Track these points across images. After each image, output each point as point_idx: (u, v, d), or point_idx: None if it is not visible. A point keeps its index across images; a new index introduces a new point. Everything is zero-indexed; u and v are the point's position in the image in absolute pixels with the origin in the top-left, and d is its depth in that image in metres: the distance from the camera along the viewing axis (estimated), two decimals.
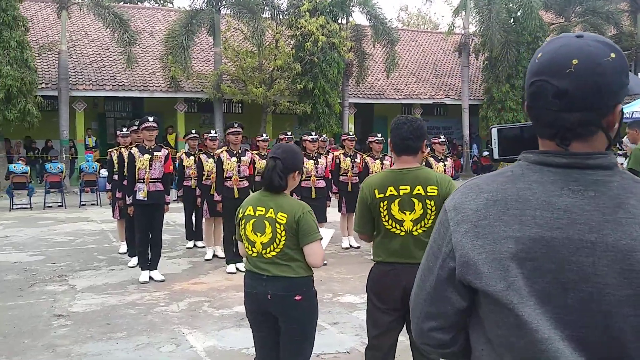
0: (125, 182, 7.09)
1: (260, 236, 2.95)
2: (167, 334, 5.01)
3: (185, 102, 20.72)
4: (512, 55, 22.60)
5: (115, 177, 7.98)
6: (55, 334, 5.03)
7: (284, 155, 2.98)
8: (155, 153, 6.86)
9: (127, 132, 8.28)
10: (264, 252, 2.95)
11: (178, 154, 9.49)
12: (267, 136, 9.07)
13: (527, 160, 1.21)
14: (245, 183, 7.45)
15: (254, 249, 2.99)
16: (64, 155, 17.74)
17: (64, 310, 5.74)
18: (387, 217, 3.08)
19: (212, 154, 8.07)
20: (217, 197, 7.38)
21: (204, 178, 8.08)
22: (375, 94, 23.65)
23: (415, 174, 3.07)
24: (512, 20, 23.35)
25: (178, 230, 10.12)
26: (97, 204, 14.39)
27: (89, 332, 5.06)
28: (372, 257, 3.25)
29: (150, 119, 6.79)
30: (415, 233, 3.04)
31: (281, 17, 20.42)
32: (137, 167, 6.78)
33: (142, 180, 6.77)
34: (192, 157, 8.70)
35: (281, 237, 2.92)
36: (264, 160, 8.15)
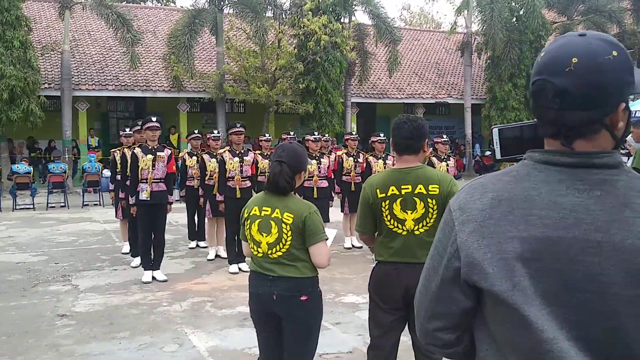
0: (128, 182, 7.10)
1: (266, 236, 2.95)
2: (170, 334, 5.01)
3: (187, 102, 20.74)
4: (515, 54, 22.57)
5: (118, 177, 7.98)
6: (58, 334, 5.03)
7: (289, 158, 2.97)
8: (158, 153, 6.86)
9: (130, 132, 8.28)
10: (269, 252, 2.94)
11: (181, 154, 9.49)
12: (269, 136, 9.07)
13: (533, 159, 1.20)
14: (248, 183, 7.45)
15: (259, 249, 2.98)
16: (66, 156, 17.77)
17: (67, 310, 5.75)
18: (389, 217, 3.08)
19: (214, 153, 8.07)
20: (219, 197, 7.38)
21: (206, 178, 8.09)
22: (378, 93, 23.64)
23: (417, 173, 3.07)
24: (514, 19, 23.32)
25: (180, 231, 10.13)
26: (100, 204, 14.42)
27: (92, 332, 5.07)
28: (374, 257, 3.24)
29: (154, 118, 6.79)
30: (417, 232, 3.04)
31: (284, 16, 20.42)
32: (140, 167, 6.78)
33: (145, 181, 6.77)
34: (194, 157, 8.70)
35: (287, 237, 2.91)
36: (267, 160, 8.16)
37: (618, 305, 1.06)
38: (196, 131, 9.40)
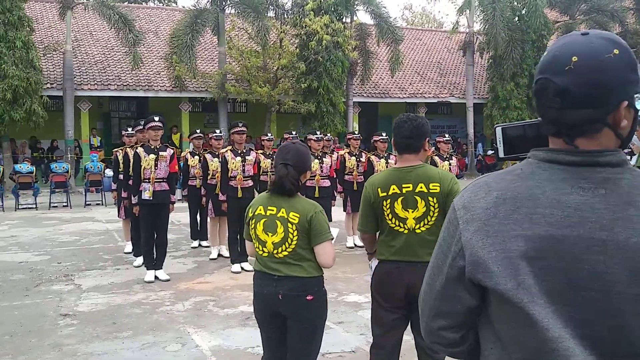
0: (130, 182, 7.10)
1: (272, 236, 2.94)
2: (173, 334, 5.02)
3: (189, 102, 20.75)
4: (517, 53, 22.55)
5: (121, 176, 7.98)
6: (61, 334, 5.04)
7: (294, 160, 2.96)
8: (160, 153, 6.87)
9: (133, 132, 8.28)
10: (275, 252, 2.94)
11: (183, 154, 9.50)
12: (271, 135, 9.07)
13: (537, 158, 1.20)
14: (250, 182, 7.46)
15: (264, 249, 2.97)
16: (69, 155, 17.80)
17: (70, 309, 5.76)
18: (390, 216, 3.09)
19: (217, 153, 8.07)
20: (221, 197, 7.38)
21: (209, 177, 8.09)
22: (380, 92, 23.63)
23: (418, 172, 3.07)
24: (516, 18, 23.30)
25: (183, 230, 10.14)
26: (102, 204, 14.43)
27: (95, 332, 5.08)
28: (376, 256, 3.25)
29: (156, 118, 6.79)
30: (418, 231, 3.05)
31: (285, 16, 20.42)
32: (142, 167, 6.79)
33: (147, 180, 6.78)
34: (197, 157, 8.71)
35: (293, 236, 2.90)
36: (269, 160, 8.17)
37: (622, 304, 1.06)
38: (198, 131, 9.41)
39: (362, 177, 8.63)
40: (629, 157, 7.72)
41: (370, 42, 22.35)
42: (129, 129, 8.53)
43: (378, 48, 22.83)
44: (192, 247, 8.91)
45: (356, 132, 9.62)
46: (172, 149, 7.20)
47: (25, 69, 16.03)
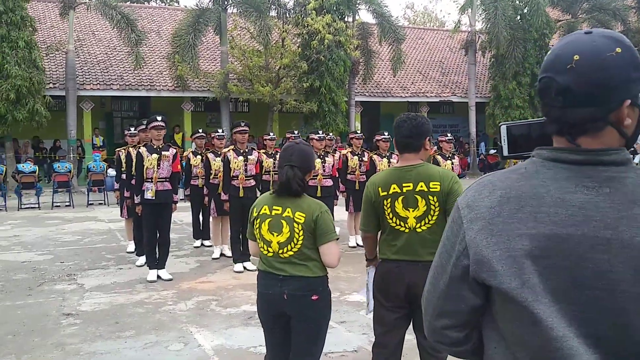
0: (133, 181, 7.11)
1: (277, 236, 2.93)
2: (175, 333, 5.02)
3: (192, 102, 20.77)
4: (519, 52, 22.52)
5: (124, 176, 8.00)
6: (64, 333, 5.05)
7: (299, 160, 2.96)
8: (163, 152, 6.87)
9: (135, 132, 8.29)
10: (280, 251, 2.93)
11: (185, 153, 9.51)
12: (274, 135, 9.07)
13: (541, 156, 1.20)
14: (252, 182, 7.46)
15: (269, 249, 2.96)
16: (71, 155, 17.83)
17: (72, 309, 5.77)
18: (391, 215, 3.09)
19: (219, 152, 8.08)
20: (224, 196, 7.39)
21: (211, 177, 8.09)
22: (382, 92, 23.62)
23: (418, 171, 3.07)
24: (518, 17, 23.28)
25: (185, 229, 10.15)
26: (105, 204, 14.45)
27: (97, 331, 5.08)
28: (378, 255, 3.25)
29: (159, 118, 6.80)
30: (419, 230, 3.05)
31: (287, 15, 20.43)
32: (145, 167, 6.80)
33: (150, 180, 6.79)
34: (199, 156, 8.71)
35: (299, 236, 2.90)
36: (271, 159, 8.17)
37: (627, 303, 1.06)
38: (200, 130, 9.42)
39: (364, 176, 8.62)
40: (631, 156, 7.73)
41: (372, 41, 22.35)
42: (132, 129, 8.54)
43: (380, 47, 22.83)
44: (194, 247, 8.92)
45: (358, 132, 9.62)
46: (175, 148, 7.21)
47: (28, 68, 16.07)
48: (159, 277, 6.86)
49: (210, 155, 8.16)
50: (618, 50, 1.12)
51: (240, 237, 7.18)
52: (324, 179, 8.33)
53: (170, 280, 6.82)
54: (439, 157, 8.10)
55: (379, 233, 3.24)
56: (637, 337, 1.06)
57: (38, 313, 5.63)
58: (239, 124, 7.43)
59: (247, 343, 4.74)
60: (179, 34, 19.08)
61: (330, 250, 2.93)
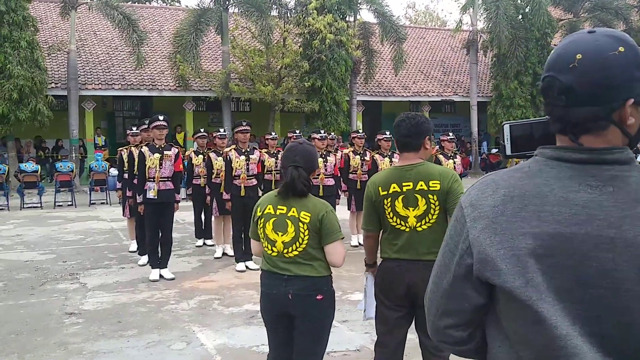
0: (135, 181, 7.12)
1: (282, 235, 2.92)
2: (178, 332, 5.03)
3: (193, 101, 20.78)
4: (521, 51, 22.52)
5: (126, 175, 8.01)
6: (67, 332, 5.06)
7: (303, 161, 2.96)
8: (165, 152, 6.88)
9: (137, 131, 8.31)
10: (285, 251, 2.92)
11: (187, 153, 9.52)
12: (275, 134, 9.08)
13: (544, 155, 1.20)
14: (254, 181, 7.46)
15: (274, 249, 2.95)
16: (73, 155, 17.86)
17: (75, 308, 5.78)
18: (391, 214, 3.09)
19: (221, 152, 8.09)
20: (225, 196, 7.39)
21: (213, 176, 8.10)
22: (383, 91, 23.61)
23: (418, 170, 3.08)
24: (520, 16, 23.26)
25: (187, 229, 10.16)
26: (107, 203, 14.47)
27: (100, 330, 5.09)
28: (380, 254, 3.26)
29: (161, 117, 6.81)
30: (419, 229, 3.05)
31: (289, 15, 20.44)
32: (147, 166, 6.81)
33: (152, 179, 6.80)
34: (201, 156, 8.72)
35: (304, 236, 2.89)
36: (273, 159, 8.17)
37: (631, 301, 1.06)
38: (202, 130, 9.42)
39: (366, 175, 8.62)
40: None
41: (373, 41, 22.34)
42: (134, 128, 8.56)
43: (381, 47, 22.83)
44: (196, 246, 8.93)
45: (360, 131, 9.62)
46: (177, 148, 7.22)
47: (30, 68, 16.10)
48: (161, 276, 6.87)
49: (212, 155, 8.17)
50: (621, 49, 1.12)
51: (242, 236, 7.18)
52: (326, 178, 8.33)
53: (173, 279, 6.83)
54: (441, 157, 8.10)
55: (381, 232, 3.25)
56: None
57: (41, 312, 5.64)
58: (240, 123, 7.43)
59: (250, 342, 4.74)
60: (180, 33, 19.09)
61: (335, 250, 2.93)
